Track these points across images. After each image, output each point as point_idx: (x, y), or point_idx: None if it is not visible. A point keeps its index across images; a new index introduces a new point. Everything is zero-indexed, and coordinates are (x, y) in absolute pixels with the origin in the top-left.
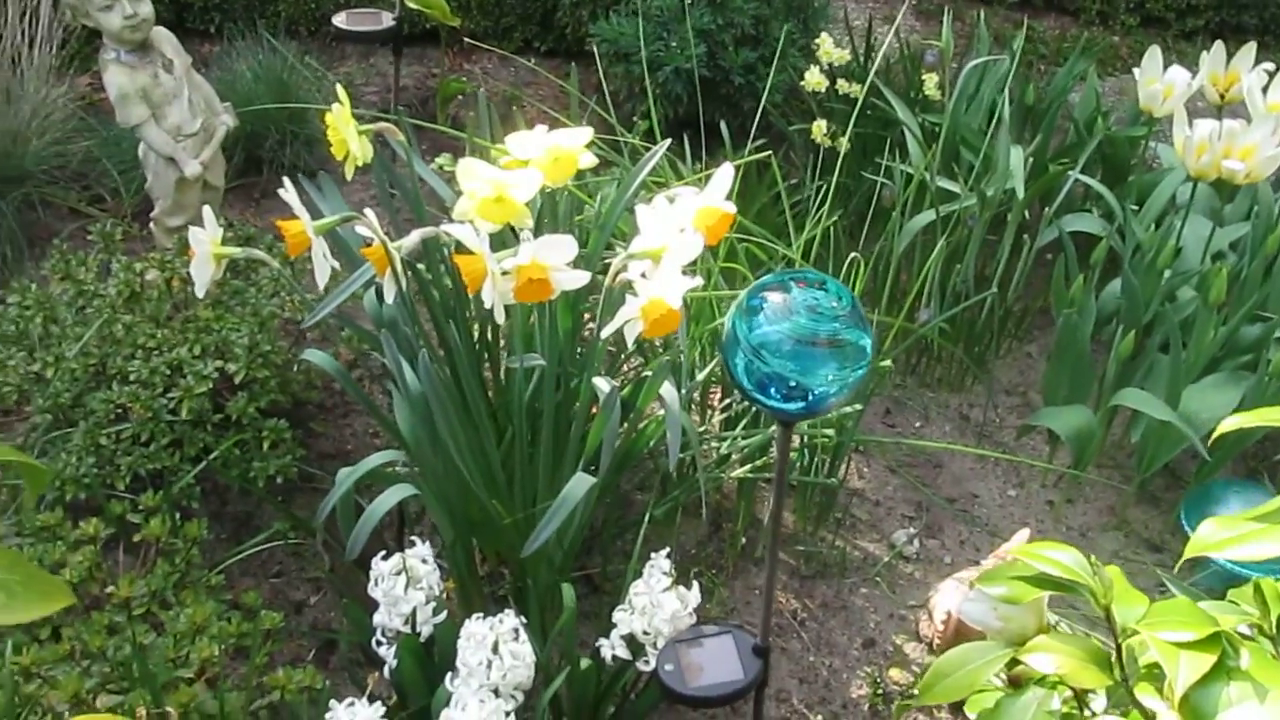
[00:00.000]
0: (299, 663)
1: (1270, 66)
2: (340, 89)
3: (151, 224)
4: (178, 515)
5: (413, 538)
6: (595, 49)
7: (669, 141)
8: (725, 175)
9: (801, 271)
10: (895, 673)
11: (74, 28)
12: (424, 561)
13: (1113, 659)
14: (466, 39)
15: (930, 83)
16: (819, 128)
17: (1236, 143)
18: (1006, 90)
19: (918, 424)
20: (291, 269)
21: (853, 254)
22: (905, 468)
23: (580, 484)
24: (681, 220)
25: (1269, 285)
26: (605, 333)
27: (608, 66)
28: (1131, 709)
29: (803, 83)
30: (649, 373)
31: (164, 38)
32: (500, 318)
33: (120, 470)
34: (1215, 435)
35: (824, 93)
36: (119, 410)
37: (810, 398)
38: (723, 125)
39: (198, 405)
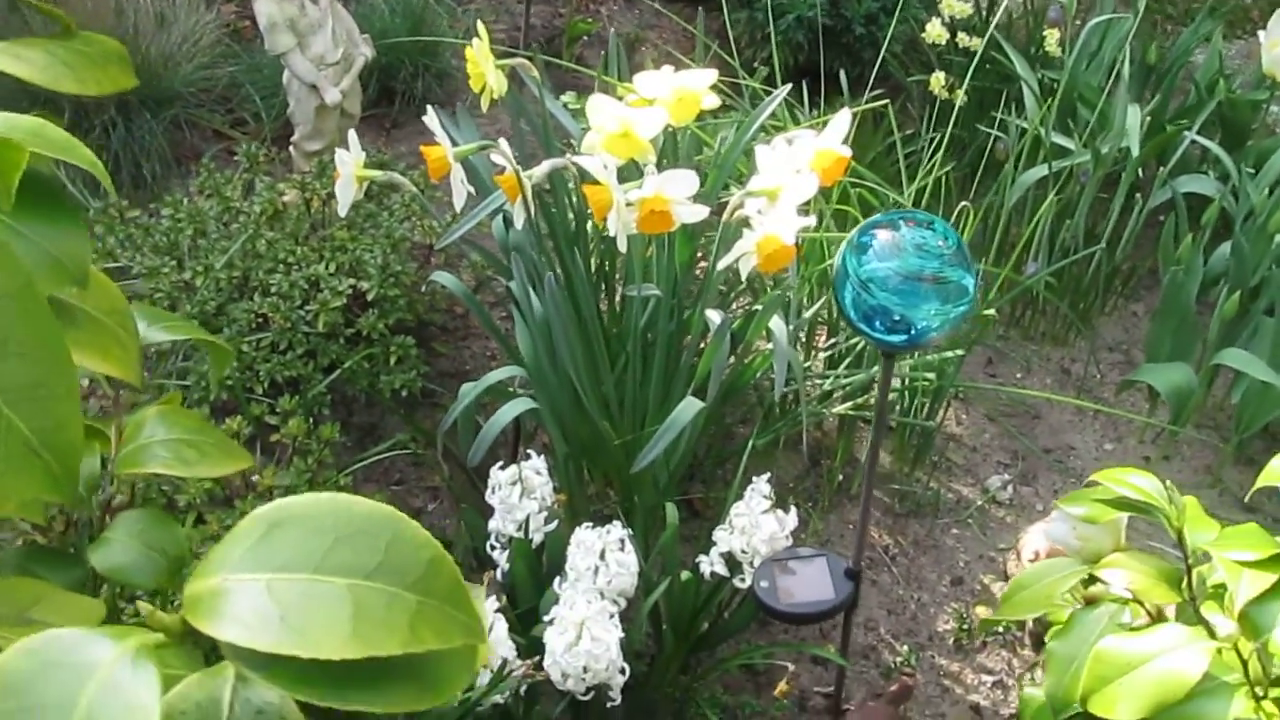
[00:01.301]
0: None
1: None
2: (480, 25)
3: (291, 148)
4: (311, 420)
5: (528, 451)
6: None
7: (789, 87)
8: (843, 120)
9: (911, 212)
10: (981, 610)
11: None
12: (538, 473)
13: (1183, 579)
14: None
15: (1051, 39)
16: (937, 80)
17: None
18: (1127, 48)
19: (1018, 375)
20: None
21: (962, 203)
22: (1004, 417)
23: (689, 407)
24: (798, 161)
25: None
26: (721, 265)
27: (731, 12)
28: (1198, 624)
29: (923, 34)
30: (759, 308)
31: None
32: (623, 246)
33: (259, 376)
34: None
35: (944, 45)
36: (260, 320)
37: (913, 331)
38: (841, 74)
39: (332, 319)
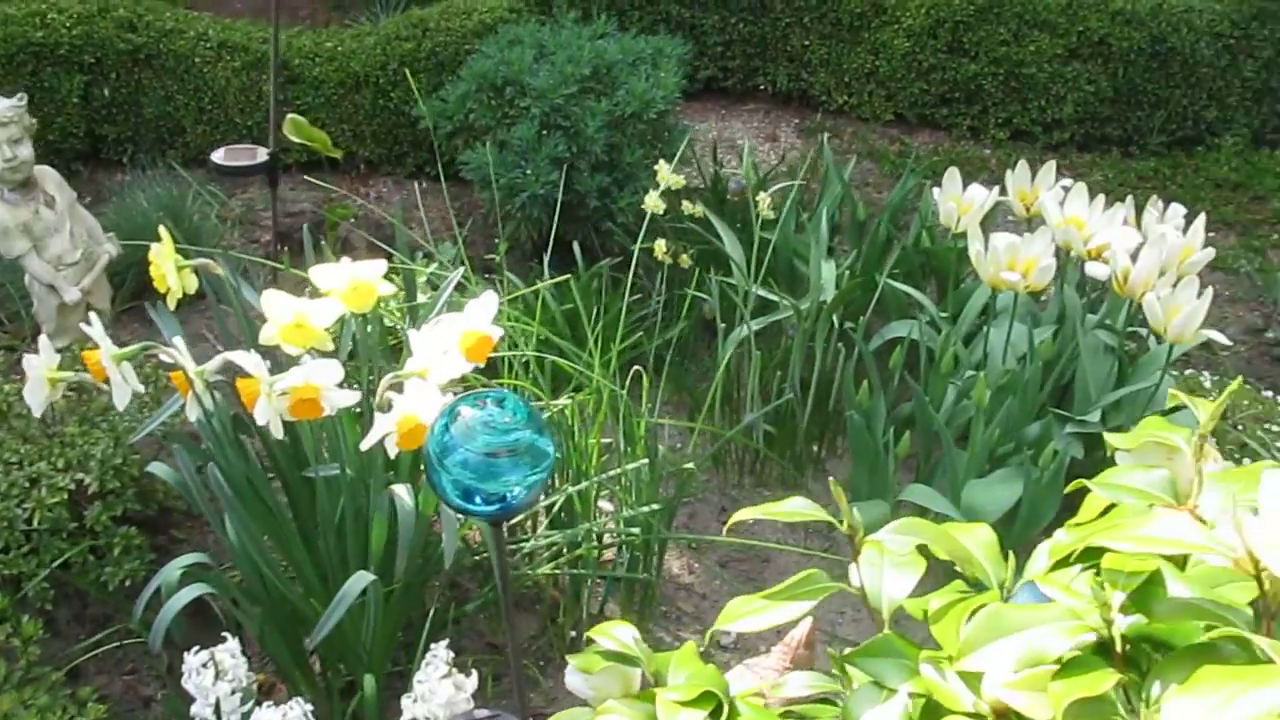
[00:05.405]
0: None
1: (1068, 183)
2: (163, 230)
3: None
4: (25, 617)
5: (224, 634)
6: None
7: (462, 269)
8: (487, 301)
9: (483, 392)
10: None
11: None
12: (232, 656)
13: None
14: (333, 167)
15: (764, 203)
16: (660, 246)
17: (1019, 255)
18: (823, 208)
19: (751, 523)
20: (155, 387)
21: (635, 367)
22: (734, 563)
23: (358, 581)
24: (447, 343)
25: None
26: (365, 445)
27: (477, 192)
28: None
29: (644, 205)
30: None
31: (46, 175)
32: (278, 433)
33: None
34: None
35: (662, 215)
36: None
37: (507, 500)
38: (575, 245)
39: (53, 514)
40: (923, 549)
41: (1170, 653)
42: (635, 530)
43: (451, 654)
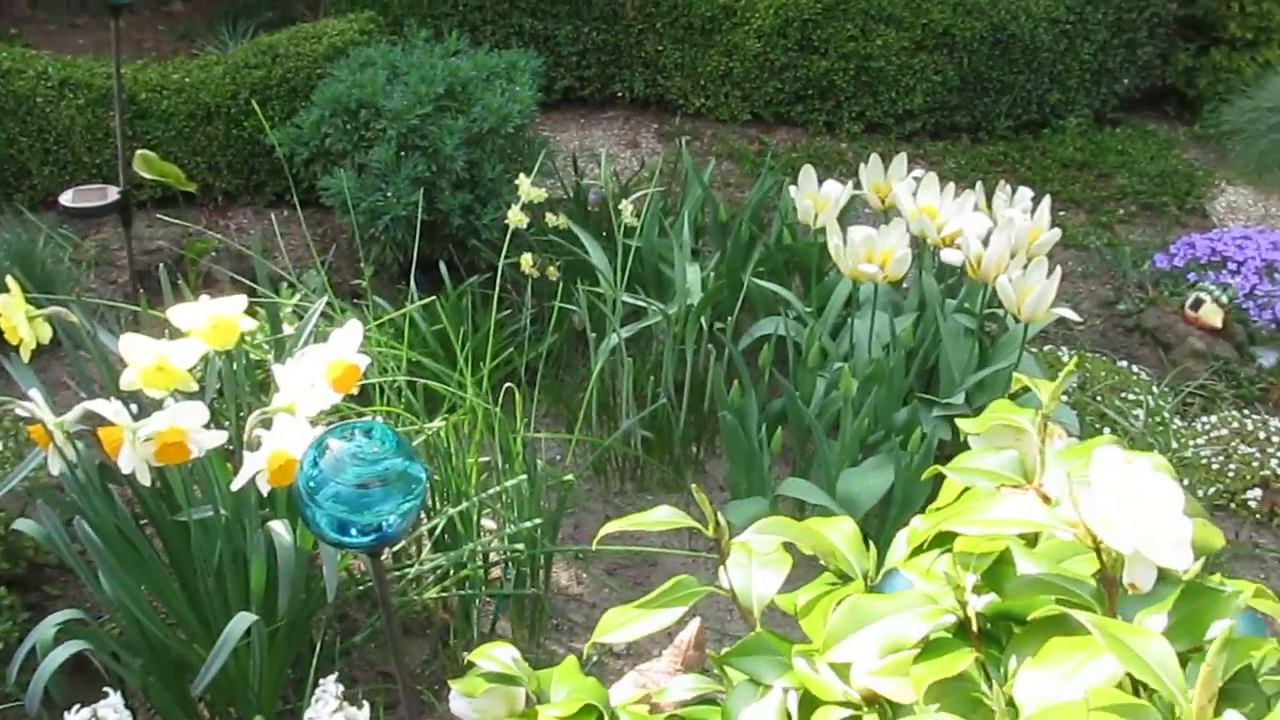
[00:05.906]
0: None
1: (919, 173)
2: (10, 280)
3: None
4: None
5: (105, 689)
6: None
7: (325, 299)
8: (351, 330)
9: (351, 423)
10: None
11: None
12: (115, 711)
13: None
14: (190, 201)
15: (627, 211)
16: (526, 260)
17: (876, 247)
18: (685, 212)
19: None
20: (16, 440)
21: (507, 384)
22: (622, 570)
23: (240, 623)
24: (314, 375)
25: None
26: (236, 485)
27: (340, 217)
28: None
29: (506, 220)
30: None
31: None
32: (145, 480)
33: None
34: None
35: (532, 227)
36: None
37: (383, 529)
38: (441, 265)
39: None
40: (790, 545)
41: (1024, 627)
42: (520, 546)
43: (341, 688)
